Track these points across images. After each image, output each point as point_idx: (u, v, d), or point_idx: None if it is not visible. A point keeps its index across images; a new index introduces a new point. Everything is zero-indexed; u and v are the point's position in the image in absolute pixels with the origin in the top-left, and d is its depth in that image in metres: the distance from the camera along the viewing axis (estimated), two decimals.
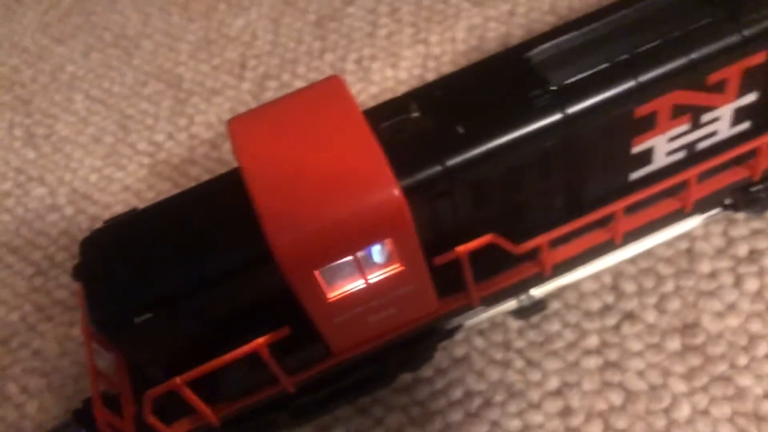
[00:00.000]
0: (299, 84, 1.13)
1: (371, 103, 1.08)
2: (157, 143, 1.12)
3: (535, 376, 0.80)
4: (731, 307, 0.80)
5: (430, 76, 1.09)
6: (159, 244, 0.65)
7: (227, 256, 0.63)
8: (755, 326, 0.79)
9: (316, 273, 0.60)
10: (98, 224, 0.98)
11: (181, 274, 0.63)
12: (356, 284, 0.64)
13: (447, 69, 1.09)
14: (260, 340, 0.64)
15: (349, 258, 0.61)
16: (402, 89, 1.09)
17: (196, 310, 0.64)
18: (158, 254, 0.64)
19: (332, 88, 0.66)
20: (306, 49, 1.17)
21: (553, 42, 0.68)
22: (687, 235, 0.85)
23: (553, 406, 0.78)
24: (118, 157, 1.13)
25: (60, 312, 0.98)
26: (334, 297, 0.63)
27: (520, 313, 0.83)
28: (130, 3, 1.35)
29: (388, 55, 1.13)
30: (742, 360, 0.77)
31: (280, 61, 1.17)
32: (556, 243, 0.74)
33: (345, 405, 0.81)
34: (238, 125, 0.64)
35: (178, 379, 0.64)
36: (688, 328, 0.80)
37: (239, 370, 0.68)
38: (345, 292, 0.64)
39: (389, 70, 1.11)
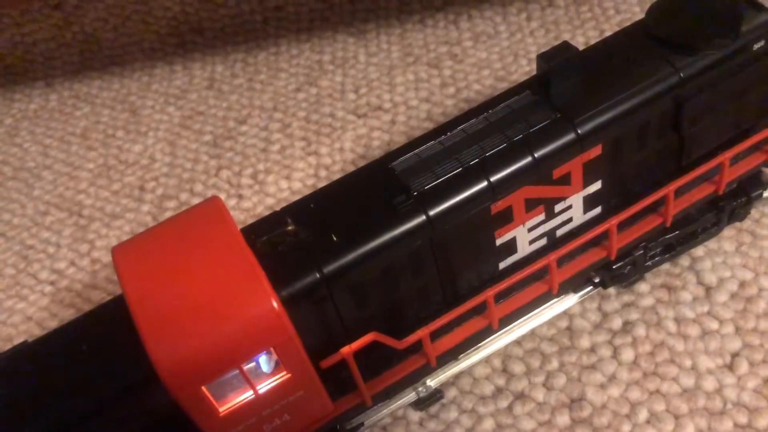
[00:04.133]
0: (197, 201, 1.17)
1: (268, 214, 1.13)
2: (59, 271, 1.13)
3: None
4: (612, 378, 0.86)
5: (323, 184, 1.14)
6: (48, 375, 0.66)
7: (116, 381, 0.65)
8: (635, 394, 0.84)
9: (204, 389, 0.63)
10: None
11: (70, 403, 0.64)
12: (246, 395, 0.66)
13: (338, 176, 1.15)
14: None
15: (236, 371, 0.64)
16: (297, 198, 1.14)
17: None
18: (48, 384, 0.65)
19: (211, 209, 0.70)
20: (203, 168, 1.22)
21: (414, 152, 0.75)
22: (566, 314, 0.92)
23: None
24: (19, 288, 1.13)
25: None
26: (226, 410, 0.66)
27: (419, 404, 0.86)
28: (29, 136, 1.38)
29: (281, 167, 1.19)
30: (626, 428, 0.82)
31: (178, 181, 1.21)
32: (438, 334, 0.78)
33: None
34: (122, 252, 0.68)
35: None
36: (575, 402, 0.85)
37: None
38: (236, 404, 0.66)
39: (283, 181, 1.17)
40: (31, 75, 1.50)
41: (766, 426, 0.80)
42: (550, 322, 0.91)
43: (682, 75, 0.76)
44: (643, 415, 0.83)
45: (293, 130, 1.24)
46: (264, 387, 0.66)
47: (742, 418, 0.80)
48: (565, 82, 0.76)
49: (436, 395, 0.86)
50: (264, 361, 0.67)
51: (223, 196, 1.17)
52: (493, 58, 1.27)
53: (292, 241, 0.70)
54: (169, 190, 1.20)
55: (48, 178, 1.29)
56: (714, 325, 0.88)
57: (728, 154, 0.81)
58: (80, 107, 1.41)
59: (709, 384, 0.84)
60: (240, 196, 1.16)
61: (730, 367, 0.85)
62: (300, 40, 1.41)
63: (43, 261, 1.16)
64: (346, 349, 0.70)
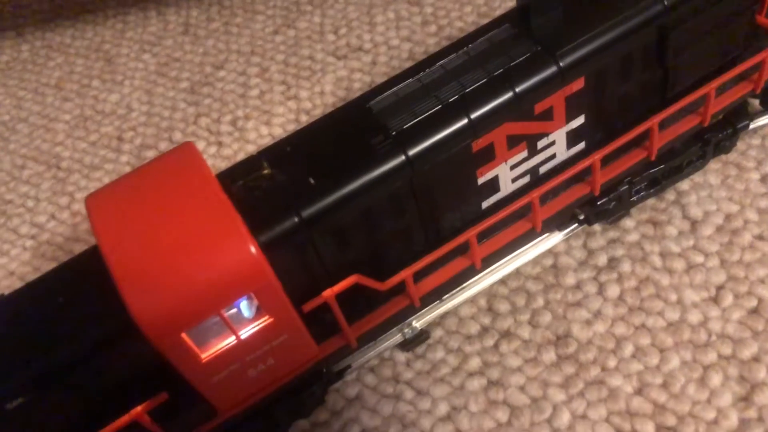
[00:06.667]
0: None
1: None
2: (39, 225, 1.12)
3: (425, 404, 0.83)
4: (597, 314, 0.86)
5: None
6: (26, 328, 0.65)
7: (94, 331, 0.64)
8: (620, 329, 0.84)
9: (184, 336, 0.62)
10: None
11: (49, 355, 0.63)
12: (228, 341, 0.66)
13: None
14: (138, 408, 0.65)
15: (216, 317, 0.63)
16: None
17: (69, 388, 0.64)
18: (25, 337, 0.64)
19: (184, 154, 0.68)
20: (181, 116, 1.19)
21: (391, 90, 0.73)
22: (551, 252, 0.91)
23: (444, 431, 0.81)
24: (0, 243, 1.12)
25: None
26: (208, 357, 0.65)
27: (406, 345, 0.86)
28: (1, 88, 1.34)
29: (261, 113, 1.16)
30: (612, 362, 0.82)
31: (156, 130, 1.18)
32: (421, 275, 0.78)
33: None
34: (95, 201, 0.66)
35: None
36: (561, 339, 0.85)
37: None
38: (218, 350, 0.65)
39: (264, 127, 1.14)
40: (0, 25, 1.45)
41: (750, 356, 0.80)
42: (535, 261, 0.91)
43: (666, 3, 0.74)
44: (628, 349, 0.83)
45: (272, 74, 1.21)
46: (246, 332, 0.66)
47: (727, 350, 0.81)
48: (546, 14, 0.73)
49: (421, 336, 0.86)
50: (245, 306, 0.66)
51: (202, 144, 1.15)
52: None
53: (268, 185, 0.69)
54: (148, 139, 1.18)
55: (23, 131, 1.26)
56: (699, 258, 0.88)
57: (714, 84, 0.79)
58: (53, 57, 1.37)
59: (694, 317, 0.84)
60: (220, 144, 1.14)
61: (715, 300, 0.85)
62: None
63: (22, 215, 1.14)
64: (328, 292, 0.69)
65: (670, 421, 0.77)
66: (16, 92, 1.33)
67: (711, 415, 0.77)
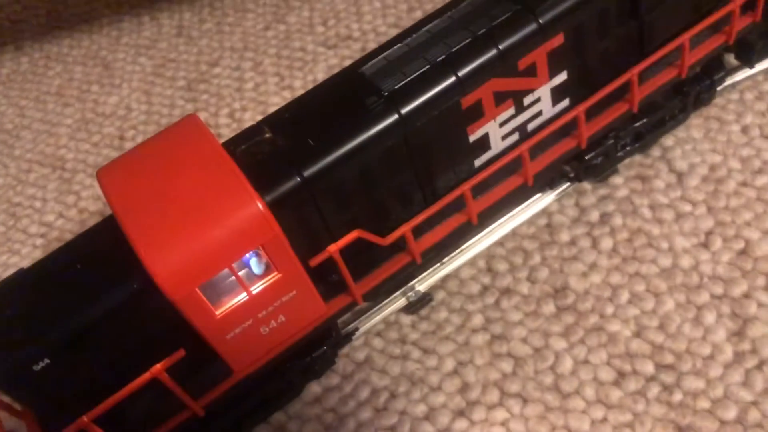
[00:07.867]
0: None
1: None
2: (48, 223, 1.15)
3: (432, 361, 0.86)
4: (592, 266, 0.89)
5: None
6: (46, 296, 0.68)
7: (113, 293, 0.67)
8: (615, 278, 0.88)
9: (198, 291, 0.65)
10: None
11: (70, 318, 0.66)
12: (240, 297, 0.69)
13: None
14: (157, 366, 0.68)
15: (229, 273, 0.67)
16: None
17: (91, 349, 0.67)
18: (47, 304, 0.67)
19: (189, 125, 0.72)
20: (180, 112, 1.23)
21: (382, 56, 0.77)
22: (544, 212, 0.95)
23: (452, 385, 0.84)
24: (11, 243, 1.15)
25: None
26: (222, 312, 0.68)
27: (410, 308, 0.89)
28: (3, 99, 1.38)
29: (257, 104, 1.20)
30: (609, 309, 0.86)
31: (157, 127, 1.22)
32: (420, 232, 0.81)
33: (260, 424, 0.84)
34: (106, 173, 0.70)
35: (84, 418, 0.66)
36: (559, 291, 0.88)
37: (147, 402, 0.71)
38: (231, 306, 0.69)
39: (260, 117, 1.18)
40: None
41: (741, 294, 0.83)
42: (530, 221, 0.94)
43: None
44: (624, 296, 0.86)
45: (266, 67, 1.25)
46: (257, 288, 0.69)
47: (718, 289, 0.84)
48: None
49: (425, 298, 0.89)
50: (255, 264, 0.69)
51: None
52: None
53: (270, 149, 0.72)
54: (149, 136, 1.21)
55: (27, 137, 1.29)
56: (687, 207, 0.91)
57: (687, 35, 0.83)
58: (52, 67, 1.41)
59: (686, 262, 0.87)
60: (219, 136, 1.18)
61: (705, 245, 0.88)
62: None
63: (31, 216, 1.17)
64: (333, 247, 0.73)
65: (669, 359, 0.80)
66: (18, 102, 1.36)
67: (707, 350, 0.80)
